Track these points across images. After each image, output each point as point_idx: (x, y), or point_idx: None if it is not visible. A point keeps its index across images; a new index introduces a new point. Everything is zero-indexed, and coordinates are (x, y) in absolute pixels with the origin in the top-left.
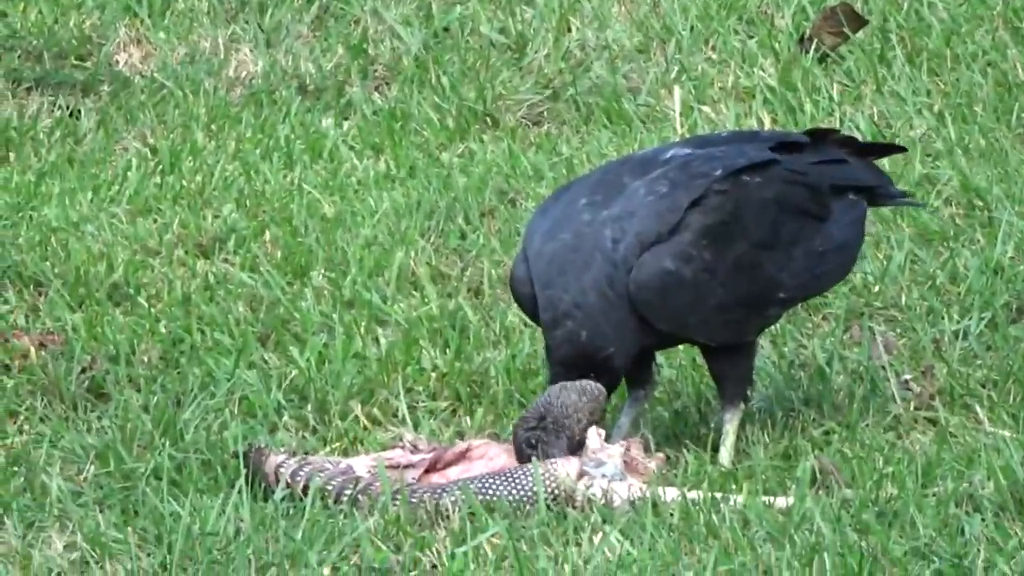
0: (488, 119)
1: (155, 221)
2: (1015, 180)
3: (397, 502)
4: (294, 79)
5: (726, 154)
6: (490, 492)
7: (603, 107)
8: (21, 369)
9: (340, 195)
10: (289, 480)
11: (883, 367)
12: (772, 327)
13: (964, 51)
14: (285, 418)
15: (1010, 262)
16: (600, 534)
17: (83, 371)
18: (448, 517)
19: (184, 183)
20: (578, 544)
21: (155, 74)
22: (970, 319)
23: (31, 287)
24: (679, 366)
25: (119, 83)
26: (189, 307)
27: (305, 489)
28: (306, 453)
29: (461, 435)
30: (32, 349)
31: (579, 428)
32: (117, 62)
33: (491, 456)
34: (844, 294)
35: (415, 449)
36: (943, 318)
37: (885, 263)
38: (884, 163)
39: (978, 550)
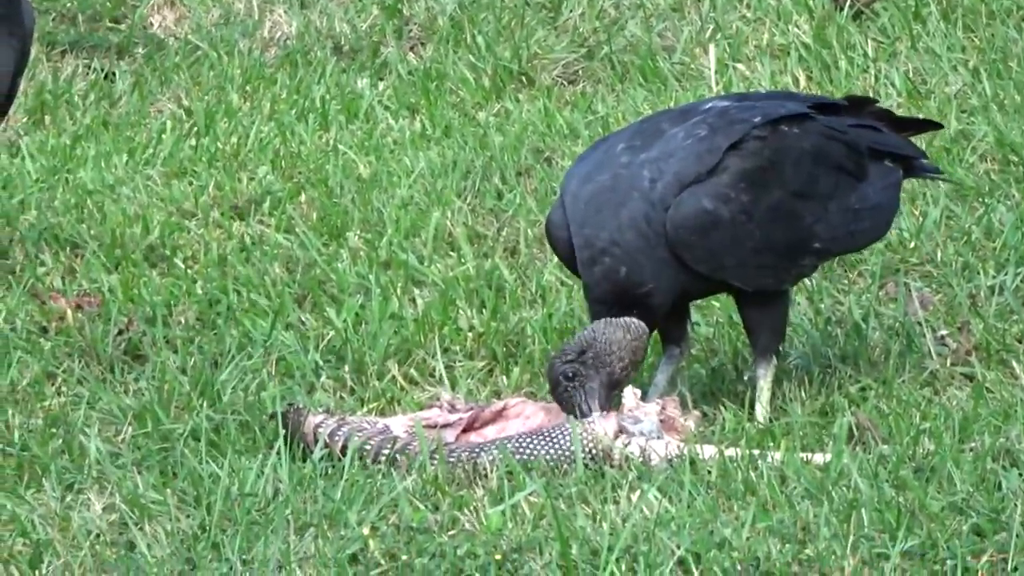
0: (523, 78)
1: (190, 183)
2: None
3: (435, 461)
4: (329, 39)
5: (765, 105)
6: (527, 452)
7: (638, 66)
8: (58, 331)
9: (376, 156)
10: (328, 440)
11: (919, 323)
12: (808, 282)
13: (999, 6)
14: (323, 379)
15: None
16: (638, 492)
17: (120, 333)
18: (486, 476)
19: (219, 145)
20: (616, 502)
21: (189, 36)
22: (1006, 274)
23: (68, 249)
24: (716, 323)
25: (153, 45)
26: (225, 268)
27: (343, 449)
28: (344, 414)
29: (498, 394)
30: (69, 311)
31: (620, 366)
32: (151, 24)
33: (528, 415)
34: (880, 251)
35: (452, 409)
36: (979, 273)
37: (921, 219)
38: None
39: (1015, 504)
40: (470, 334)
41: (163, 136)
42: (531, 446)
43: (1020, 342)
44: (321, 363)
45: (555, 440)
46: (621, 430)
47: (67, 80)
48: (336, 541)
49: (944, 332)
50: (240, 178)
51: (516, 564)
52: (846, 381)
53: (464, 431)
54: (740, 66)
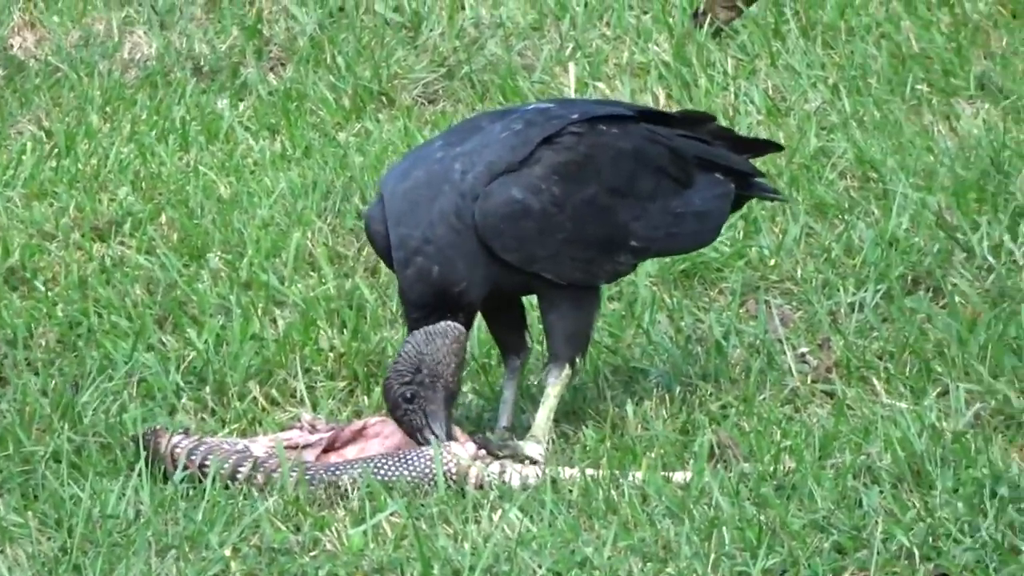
0: (384, 98)
1: (51, 204)
2: (909, 152)
3: (294, 476)
4: (189, 60)
5: (586, 107)
6: (386, 474)
7: (498, 85)
8: None
9: (236, 176)
10: (186, 460)
11: (780, 340)
12: (668, 300)
13: (858, 23)
14: (184, 400)
15: (905, 234)
16: (499, 512)
17: None
18: (347, 496)
19: (80, 166)
20: (477, 522)
21: (49, 57)
22: (866, 291)
23: None
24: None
25: (13, 67)
26: (86, 290)
27: (203, 468)
28: (202, 435)
29: (359, 414)
30: None
31: (449, 374)
32: (11, 46)
33: (386, 434)
34: (740, 268)
35: (313, 429)
36: (839, 290)
37: (781, 236)
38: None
39: (876, 522)
40: (331, 354)
41: (23, 157)
42: (389, 468)
43: (880, 359)
44: (182, 384)
45: (411, 463)
46: (478, 453)
47: None
48: (198, 563)
49: (805, 349)
50: (101, 199)
51: None
52: (707, 399)
53: (324, 451)
54: (600, 84)
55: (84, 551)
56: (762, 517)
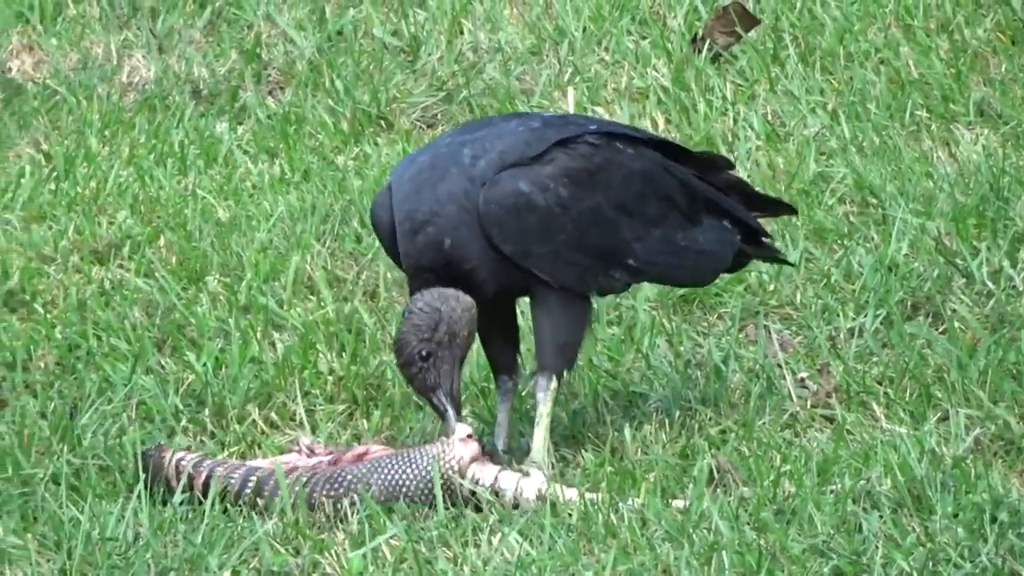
0: (382, 122)
1: (50, 228)
2: (908, 177)
3: (295, 494)
4: (187, 84)
5: (607, 123)
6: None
7: (497, 109)
8: None
9: (235, 199)
10: (192, 471)
11: (779, 365)
12: (667, 325)
13: (857, 49)
14: (183, 423)
15: (904, 259)
16: (499, 535)
17: None
18: (346, 519)
19: (78, 189)
20: (477, 545)
21: (48, 80)
22: (865, 316)
23: None
24: (576, 366)
25: (12, 90)
26: (85, 313)
27: (206, 486)
28: (204, 454)
29: (358, 438)
30: None
31: (463, 335)
32: (10, 69)
33: None
34: (739, 293)
35: (312, 453)
36: (838, 316)
37: None
38: (779, 162)
39: (876, 547)
40: (330, 378)
41: (22, 180)
42: (393, 468)
43: (880, 384)
44: (181, 407)
45: (415, 462)
46: (479, 457)
47: None
48: None
49: (804, 374)
50: (99, 222)
51: None
52: (706, 423)
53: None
54: (599, 109)
55: (83, 573)
56: (762, 542)
